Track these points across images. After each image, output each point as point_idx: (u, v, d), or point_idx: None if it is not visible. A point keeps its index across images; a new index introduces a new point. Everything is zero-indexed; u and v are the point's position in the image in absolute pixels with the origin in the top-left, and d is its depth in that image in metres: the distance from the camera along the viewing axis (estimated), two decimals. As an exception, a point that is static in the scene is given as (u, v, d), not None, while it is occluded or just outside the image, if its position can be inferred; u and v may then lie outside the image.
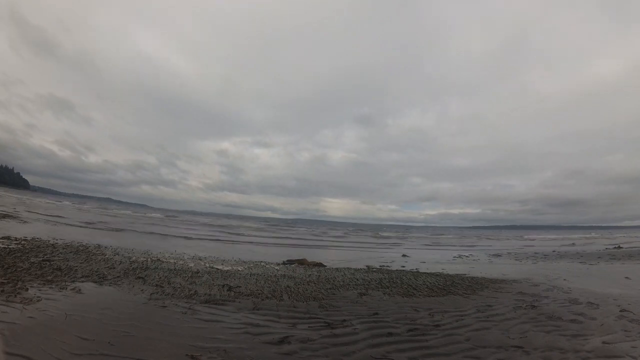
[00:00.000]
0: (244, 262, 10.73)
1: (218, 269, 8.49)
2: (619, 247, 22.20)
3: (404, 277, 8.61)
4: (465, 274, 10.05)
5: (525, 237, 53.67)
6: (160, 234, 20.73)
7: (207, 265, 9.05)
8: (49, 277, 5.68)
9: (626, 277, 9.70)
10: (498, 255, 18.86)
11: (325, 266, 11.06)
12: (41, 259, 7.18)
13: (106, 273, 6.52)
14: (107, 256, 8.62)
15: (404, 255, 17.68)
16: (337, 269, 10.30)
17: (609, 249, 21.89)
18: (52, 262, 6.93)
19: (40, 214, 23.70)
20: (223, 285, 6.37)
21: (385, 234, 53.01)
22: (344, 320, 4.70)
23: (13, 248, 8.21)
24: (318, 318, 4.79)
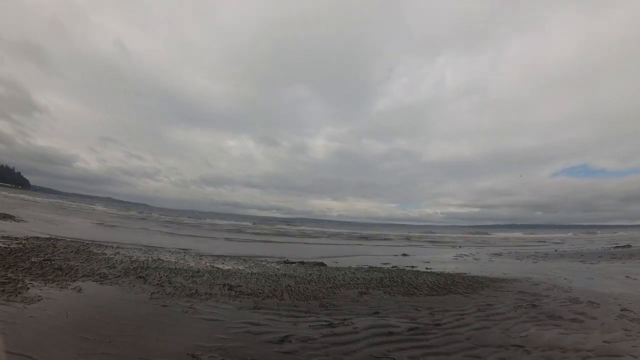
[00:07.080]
0: (245, 261, 10.74)
1: (219, 268, 8.50)
2: (629, 247, 21.95)
3: (404, 276, 8.61)
4: (465, 273, 10.05)
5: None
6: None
7: (208, 264, 9.05)
8: (50, 277, 5.68)
9: (627, 277, 9.71)
10: (499, 255, 18.86)
11: (326, 265, 11.07)
12: (42, 258, 7.19)
13: (107, 272, 6.53)
14: (107, 255, 8.62)
15: (404, 255, 17.69)
16: (337, 268, 10.30)
17: (610, 248, 21.87)
18: (53, 262, 6.94)
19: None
20: (224, 285, 6.38)
21: (385, 233, 53.04)
22: (345, 319, 4.71)
23: (14, 248, 8.22)
24: (319, 317, 4.80)
